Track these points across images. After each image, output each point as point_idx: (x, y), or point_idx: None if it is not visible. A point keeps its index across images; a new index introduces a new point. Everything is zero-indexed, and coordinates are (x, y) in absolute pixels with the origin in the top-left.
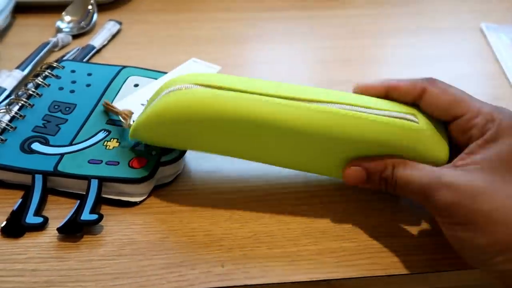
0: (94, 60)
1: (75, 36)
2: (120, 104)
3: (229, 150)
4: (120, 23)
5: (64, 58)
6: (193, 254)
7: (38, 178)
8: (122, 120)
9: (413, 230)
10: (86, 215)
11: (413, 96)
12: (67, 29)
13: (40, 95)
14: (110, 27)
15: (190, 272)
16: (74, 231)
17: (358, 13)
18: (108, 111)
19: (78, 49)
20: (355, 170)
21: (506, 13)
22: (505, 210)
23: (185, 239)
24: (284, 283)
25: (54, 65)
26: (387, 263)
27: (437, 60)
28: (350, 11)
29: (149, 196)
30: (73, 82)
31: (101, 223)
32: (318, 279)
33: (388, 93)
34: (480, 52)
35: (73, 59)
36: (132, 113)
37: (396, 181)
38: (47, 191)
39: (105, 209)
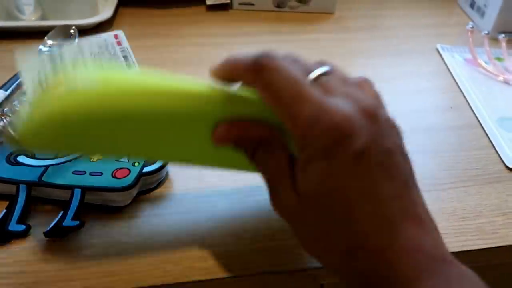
0: None
1: None
2: None
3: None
4: None
5: None
6: (177, 252)
7: (22, 188)
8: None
9: None
10: (68, 222)
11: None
12: (49, 52)
13: None
14: None
15: (175, 268)
16: (58, 235)
17: (327, 37)
18: None
19: None
20: (222, 131)
21: (458, 37)
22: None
23: (169, 238)
24: (265, 272)
25: None
26: None
27: (400, 76)
28: (319, 35)
29: (133, 201)
30: None
31: (87, 227)
32: (296, 269)
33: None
34: (437, 69)
35: None
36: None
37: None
38: (31, 200)
39: (91, 214)
